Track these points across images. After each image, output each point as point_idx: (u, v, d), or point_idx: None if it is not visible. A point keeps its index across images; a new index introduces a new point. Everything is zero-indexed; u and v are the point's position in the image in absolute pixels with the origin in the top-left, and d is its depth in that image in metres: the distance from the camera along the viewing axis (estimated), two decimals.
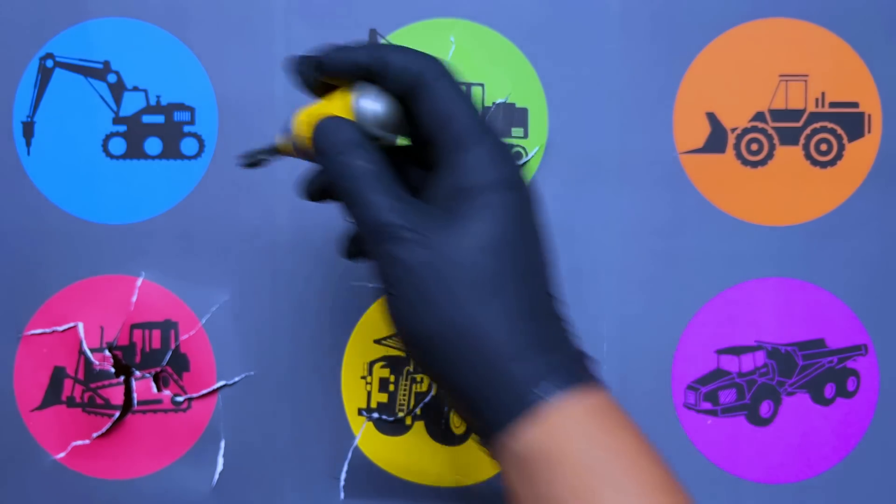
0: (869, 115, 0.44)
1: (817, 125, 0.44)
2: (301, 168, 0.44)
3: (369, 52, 0.27)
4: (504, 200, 0.25)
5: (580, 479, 0.24)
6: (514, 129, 0.44)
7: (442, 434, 0.45)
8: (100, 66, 0.45)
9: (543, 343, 0.25)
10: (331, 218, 0.45)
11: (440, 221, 0.25)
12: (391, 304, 0.26)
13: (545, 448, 0.24)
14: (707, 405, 0.45)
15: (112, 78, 0.45)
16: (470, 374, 0.25)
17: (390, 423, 0.45)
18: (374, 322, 0.45)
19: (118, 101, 0.45)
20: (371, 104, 0.27)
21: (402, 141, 0.29)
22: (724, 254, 0.45)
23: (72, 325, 0.44)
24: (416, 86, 0.27)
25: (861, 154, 0.44)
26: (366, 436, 0.45)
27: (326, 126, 0.27)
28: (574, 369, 0.25)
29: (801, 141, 0.44)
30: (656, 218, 0.45)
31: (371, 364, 0.45)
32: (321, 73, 0.28)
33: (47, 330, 0.45)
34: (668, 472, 0.26)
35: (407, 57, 0.27)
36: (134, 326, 0.44)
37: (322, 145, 0.27)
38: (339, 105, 0.27)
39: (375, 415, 0.45)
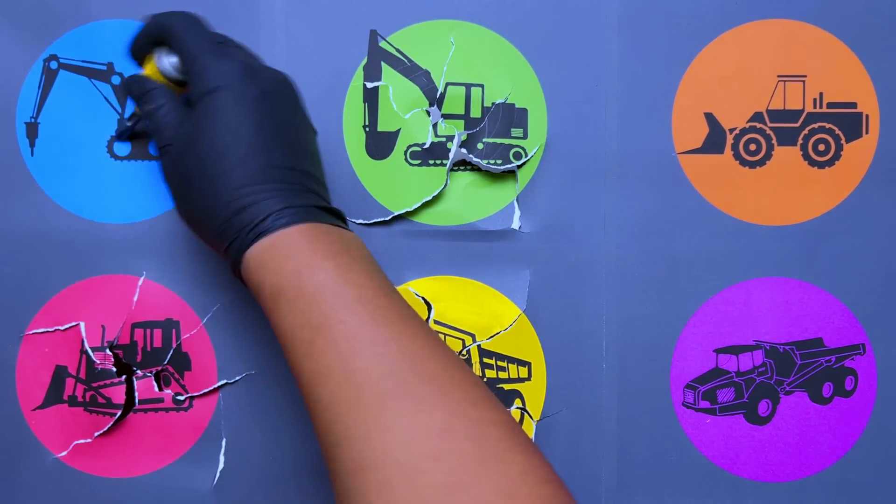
0: (867, 116, 0.44)
1: (815, 125, 0.44)
2: None
3: (149, 25, 0.38)
4: (219, 98, 0.34)
5: (300, 285, 0.31)
6: (513, 130, 0.45)
7: None
8: (104, 67, 0.45)
9: (273, 195, 0.33)
10: None
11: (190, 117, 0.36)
12: (166, 164, 0.36)
13: (268, 267, 0.32)
14: (705, 404, 0.45)
15: (116, 80, 0.45)
16: (216, 215, 0.34)
17: None
18: None
19: (122, 102, 0.45)
20: (160, 59, 0.38)
21: None
22: (723, 253, 0.45)
23: (74, 324, 0.45)
24: (169, 36, 0.37)
25: (859, 154, 0.45)
26: None
27: (129, 82, 0.39)
28: (301, 214, 0.33)
29: (800, 141, 0.45)
30: (655, 218, 0.45)
31: None
32: (137, 49, 0.39)
33: (49, 329, 0.45)
34: (392, 299, 0.32)
35: (161, 18, 0.37)
36: (135, 325, 0.45)
37: (130, 95, 0.39)
38: (150, 65, 0.39)
39: None
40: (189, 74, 0.36)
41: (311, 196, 0.35)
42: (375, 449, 0.28)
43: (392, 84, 0.44)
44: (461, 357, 0.32)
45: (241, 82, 0.34)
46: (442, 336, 0.45)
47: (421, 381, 0.29)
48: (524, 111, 0.45)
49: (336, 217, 0.35)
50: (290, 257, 0.32)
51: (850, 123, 0.44)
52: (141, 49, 0.39)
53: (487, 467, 0.27)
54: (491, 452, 0.28)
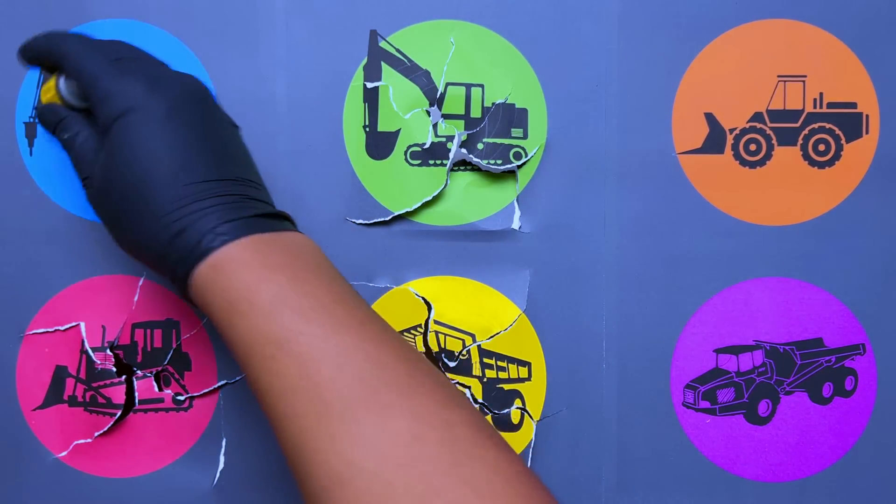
0: (867, 116, 0.44)
1: (815, 125, 0.44)
2: (301, 169, 0.45)
3: (43, 42, 0.36)
4: (126, 123, 0.32)
5: (249, 302, 0.30)
6: (513, 130, 0.45)
7: None
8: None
9: (206, 212, 0.31)
10: (332, 218, 0.45)
11: (99, 155, 0.34)
12: (90, 196, 0.35)
13: (216, 285, 0.31)
14: (705, 404, 0.45)
15: None
16: (153, 244, 0.32)
17: None
18: None
19: None
20: (62, 84, 0.36)
21: None
22: (723, 253, 0.45)
23: (74, 324, 0.45)
24: (63, 62, 0.35)
25: (859, 154, 0.45)
26: None
27: (41, 112, 0.37)
28: (240, 227, 0.31)
29: (800, 141, 0.45)
30: (655, 218, 0.45)
31: None
32: (27, 61, 0.38)
33: (49, 329, 0.45)
34: (354, 307, 0.31)
35: (51, 41, 0.36)
36: (135, 326, 0.45)
37: (44, 125, 0.38)
38: (51, 86, 0.37)
39: None
40: (92, 101, 0.34)
41: (248, 203, 0.33)
42: (346, 462, 0.27)
43: (392, 84, 0.44)
44: (424, 357, 0.32)
45: (147, 100, 0.33)
46: (442, 336, 0.45)
47: (388, 389, 0.28)
48: (524, 111, 0.45)
49: (280, 219, 0.34)
50: (237, 273, 0.30)
51: (850, 123, 0.44)
52: (33, 61, 0.37)
53: (460, 469, 0.27)
54: (462, 454, 0.27)
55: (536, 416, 0.45)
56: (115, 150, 0.32)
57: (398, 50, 0.44)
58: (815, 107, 0.45)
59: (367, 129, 0.45)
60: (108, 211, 0.34)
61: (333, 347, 0.29)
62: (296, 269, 0.31)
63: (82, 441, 0.45)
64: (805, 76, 0.44)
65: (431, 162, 0.44)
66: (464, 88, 0.44)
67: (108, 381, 0.44)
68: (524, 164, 0.45)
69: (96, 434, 0.44)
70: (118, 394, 0.44)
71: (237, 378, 0.45)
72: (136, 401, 0.45)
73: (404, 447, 0.27)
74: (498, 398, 0.45)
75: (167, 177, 0.32)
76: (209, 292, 0.31)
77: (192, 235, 0.31)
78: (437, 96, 0.44)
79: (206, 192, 0.32)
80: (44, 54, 0.36)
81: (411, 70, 0.44)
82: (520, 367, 0.45)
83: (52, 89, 0.37)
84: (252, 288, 0.30)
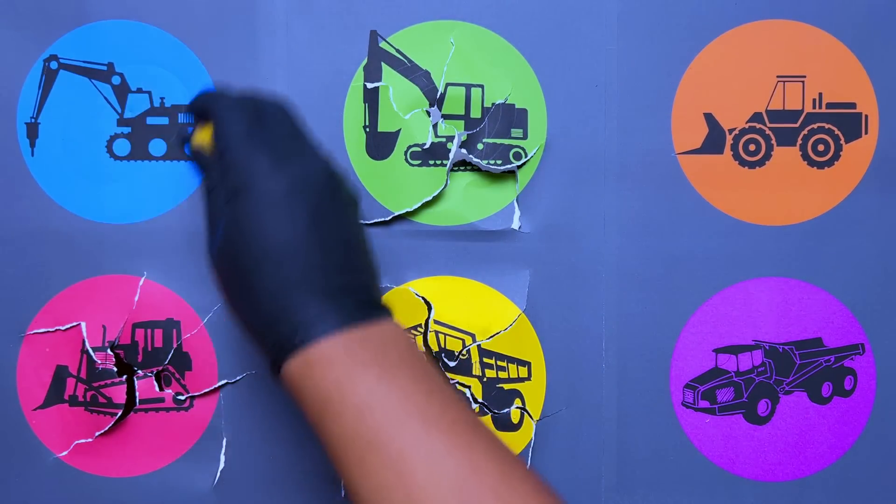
0: (866, 116, 0.45)
1: (815, 126, 0.45)
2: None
3: (200, 100, 0.36)
4: (244, 202, 0.32)
5: (349, 409, 0.29)
6: (513, 130, 0.45)
7: None
8: (104, 67, 0.45)
9: (308, 299, 0.31)
10: None
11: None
12: (209, 249, 0.34)
13: (308, 380, 0.30)
14: (705, 404, 0.45)
15: (116, 80, 0.45)
16: (254, 320, 0.32)
17: None
18: None
19: (122, 102, 0.45)
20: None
21: None
22: (722, 253, 0.45)
23: (74, 324, 0.45)
24: (210, 117, 0.35)
25: (858, 154, 0.45)
26: None
27: (193, 153, 0.37)
28: (337, 318, 0.31)
29: (799, 141, 0.45)
30: (655, 218, 0.45)
31: None
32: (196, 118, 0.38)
33: (50, 329, 0.45)
34: (455, 405, 0.30)
35: (205, 99, 0.36)
36: (136, 325, 0.45)
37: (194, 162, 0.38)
38: (207, 132, 0.36)
39: None
40: (222, 166, 0.34)
41: (349, 293, 0.32)
42: None
43: (392, 84, 0.44)
44: (515, 455, 0.31)
45: (267, 179, 0.32)
46: (442, 336, 0.45)
47: (480, 494, 0.28)
48: (524, 111, 0.45)
49: (377, 308, 0.33)
50: (329, 369, 0.30)
51: (849, 124, 0.44)
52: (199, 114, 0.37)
53: None
54: None
55: (536, 416, 0.45)
56: (230, 226, 0.32)
57: (398, 50, 0.45)
58: (814, 107, 0.45)
59: (368, 130, 0.45)
60: (219, 273, 0.33)
61: (426, 453, 0.28)
62: (386, 366, 0.30)
63: (83, 441, 0.45)
64: (804, 76, 0.45)
65: (431, 162, 0.45)
66: (464, 89, 0.45)
67: (108, 381, 0.44)
68: (524, 164, 0.45)
69: (97, 434, 0.44)
70: (119, 393, 0.44)
71: (237, 378, 0.45)
72: (137, 400, 0.45)
73: None
74: (498, 398, 0.45)
75: (273, 258, 0.31)
76: (302, 387, 0.31)
77: (287, 325, 0.31)
78: (437, 96, 0.44)
79: (309, 279, 0.31)
80: (201, 111, 0.37)
81: (411, 70, 0.45)
82: (520, 367, 0.45)
83: (207, 135, 0.36)
84: (343, 386, 0.30)
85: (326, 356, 0.30)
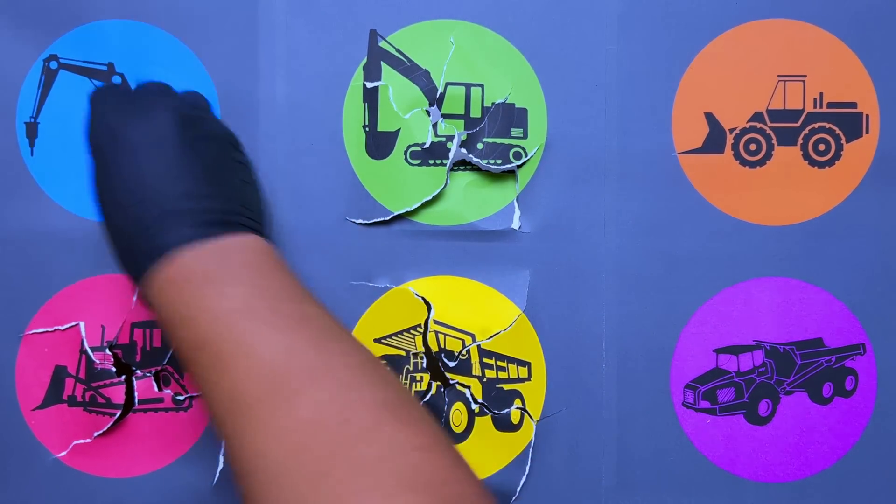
0: (867, 116, 0.44)
1: (815, 125, 0.44)
2: (309, 168, 0.45)
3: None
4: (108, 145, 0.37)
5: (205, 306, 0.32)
6: (513, 130, 0.45)
7: None
8: (104, 67, 0.45)
9: (168, 217, 0.34)
10: (332, 218, 0.45)
11: None
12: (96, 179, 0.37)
13: (161, 297, 0.33)
14: (706, 404, 0.45)
15: (116, 80, 0.45)
16: (126, 247, 0.35)
17: None
18: (374, 321, 0.45)
19: None
20: None
21: None
22: (723, 253, 0.45)
23: (73, 324, 0.45)
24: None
25: (859, 154, 0.45)
26: None
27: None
28: (197, 232, 0.34)
29: (800, 141, 0.45)
30: (655, 218, 0.45)
31: None
32: None
33: (49, 329, 0.45)
34: (309, 309, 0.33)
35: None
36: (135, 325, 0.45)
37: None
38: None
39: None
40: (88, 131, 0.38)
41: (201, 214, 0.35)
42: (253, 452, 0.29)
43: (392, 84, 0.44)
44: (348, 337, 0.33)
45: (122, 129, 0.36)
46: (442, 336, 0.45)
47: (297, 376, 0.30)
48: (524, 111, 0.45)
49: (234, 227, 0.36)
50: (174, 283, 0.33)
51: (850, 123, 0.44)
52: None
53: (350, 451, 0.28)
54: (355, 436, 0.28)
55: (536, 416, 0.45)
56: (97, 172, 0.37)
57: (398, 50, 0.45)
58: (815, 106, 0.45)
59: (367, 129, 0.45)
60: (99, 215, 0.37)
61: (247, 344, 0.31)
62: (230, 273, 0.33)
63: (82, 441, 0.45)
64: (805, 76, 0.45)
65: (431, 162, 0.45)
66: (463, 88, 0.44)
67: (107, 381, 0.44)
68: (524, 163, 0.45)
69: (96, 434, 0.44)
70: (118, 393, 0.44)
71: None
72: (136, 400, 0.45)
73: (302, 433, 0.29)
74: (498, 398, 0.45)
75: (135, 195, 0.35)
76: (157, 305, 0.34)
77: (145, 248, 0.34)
78: (437, 96, 0.44)
79: (161, 208, 0.35)
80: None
81: (411, 70, 0.45)
82: (520, 367, 0.45)
83: None
84: (185, 295, 0.33)
85: (173, 271, 0.33)
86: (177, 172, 0.36)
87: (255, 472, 0.29)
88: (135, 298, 0.45)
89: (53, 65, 0.45)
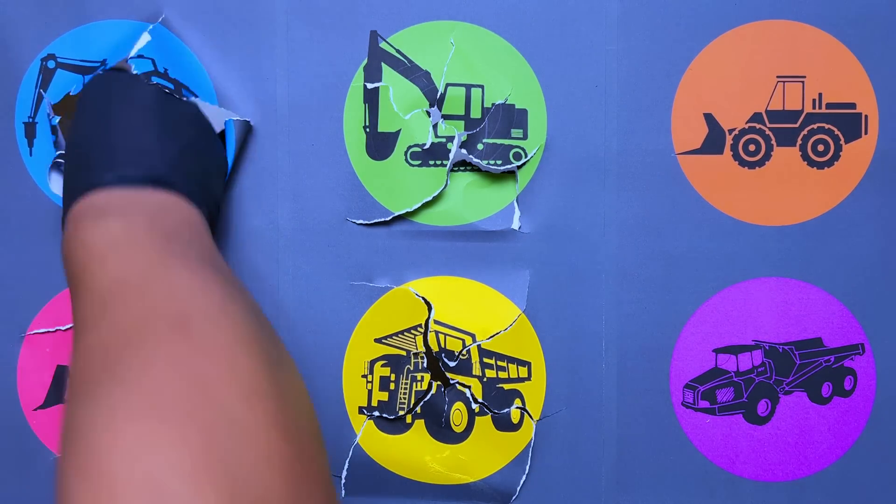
0: (866, 116, 0.45)
1: (814, 126, 0.45)
2: (309, 173, 0.45)
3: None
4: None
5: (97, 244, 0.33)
6: (513, 130, 0.45)
7: (442, 432, 0.45)
8: (102, 67, 0.45)
9: (94, 170, 0.36)
10: (332, 218, 0.45)
11: None
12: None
13: (69, 238, 0.34)
14: (705, 404, 0.45)
15: None
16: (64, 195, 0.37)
17: (391, 422, 0.45)
18: (374, 321, 0.45)
19: None
20: None
21: None
22: (722, 253, 0.45)
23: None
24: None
25: (858, 155, 0.45)
26: (366, 434, 0.45)
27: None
28: (140, 183, 0.36)
29: (799, 142, 0.45)
30: (654, 218, 0.45)
31: (372, 363, 0.45)
32: None
33: (50, 329, 0.45)
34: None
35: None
36: None
37: None
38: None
39: (376, 413, 0.45)
40: None
41: (122, 167, 0.37)
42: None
43: (392, 85, 0.44)
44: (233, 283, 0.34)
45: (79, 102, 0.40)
46: (442, 336, 0.45)
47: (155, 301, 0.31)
48: (524, 112, 0.45)
49: (155, 182, 0.37)
50: (79, 223, 0.34)
51: (849, 124, 0.45)
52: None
53: (115, 368, 0.28)
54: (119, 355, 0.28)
55: (536, 416, 0.45)
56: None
57: (398, 51, 0.45)
58: (814, 107, 0.45)
59: (368, 130, 0.45)
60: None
61: (124, 278, 0.31)
62: (128, 217, 0.34)
63: None
64: (804, 77, 0.45)
65: (431, 162, 0.45)
66: (464, 89, 0.44)
67: None
68: (524, 164, 0.45)
69: None
70: None
71: None
72: None
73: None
74: (498, 398, 0.45)
75: (73, 150, 0.38)
76: (66, 247, 0.35)
77: (71, 193, 0.36)
78: (437, 97, 0.44)
79: (89, 162, 0.37)
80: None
81: (411, 71, 0.45)
82: (520, 367, 0.45)
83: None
84: (84, 236, 0.34)
85: (79, 208, 0.35)
86: (141, 129, 0.38)
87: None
88: None
89: (51, 64, 0.45)
